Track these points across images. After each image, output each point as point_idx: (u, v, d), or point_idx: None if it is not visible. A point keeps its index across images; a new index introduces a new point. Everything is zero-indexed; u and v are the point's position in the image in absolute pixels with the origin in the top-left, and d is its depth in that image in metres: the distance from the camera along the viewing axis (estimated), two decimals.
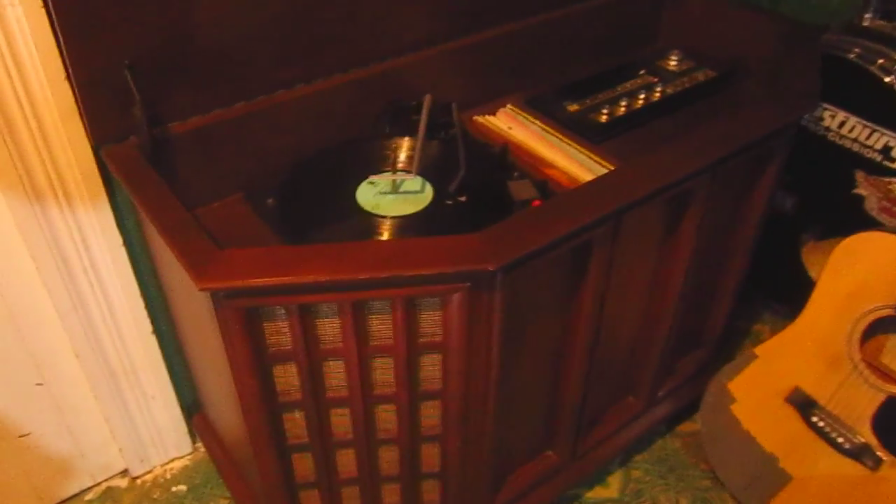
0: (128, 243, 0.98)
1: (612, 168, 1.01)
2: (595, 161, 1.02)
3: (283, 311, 0.74)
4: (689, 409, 1.29)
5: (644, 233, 0.92)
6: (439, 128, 1.03)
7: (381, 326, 0.77)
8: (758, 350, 1.12)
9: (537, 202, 0.90)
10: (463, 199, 0.91)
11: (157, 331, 1.08)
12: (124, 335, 1.05)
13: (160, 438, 1.20)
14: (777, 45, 1.18)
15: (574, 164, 1.02)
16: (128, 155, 0.85)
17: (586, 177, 0.99)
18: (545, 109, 1.13)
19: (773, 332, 1.50)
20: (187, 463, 1.24)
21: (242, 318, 0.72)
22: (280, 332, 0.76)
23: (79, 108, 0.84)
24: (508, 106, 1.15)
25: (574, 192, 0.82)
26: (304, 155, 0.98)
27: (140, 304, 1.03)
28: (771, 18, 1.20)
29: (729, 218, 1.05)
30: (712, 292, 1.15)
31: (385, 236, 0.87)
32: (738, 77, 1.23)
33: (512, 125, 1.10)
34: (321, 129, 1.00)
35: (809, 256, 1.47)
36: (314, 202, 0.92)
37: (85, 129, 0.86)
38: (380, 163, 0.98)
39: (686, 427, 1.32)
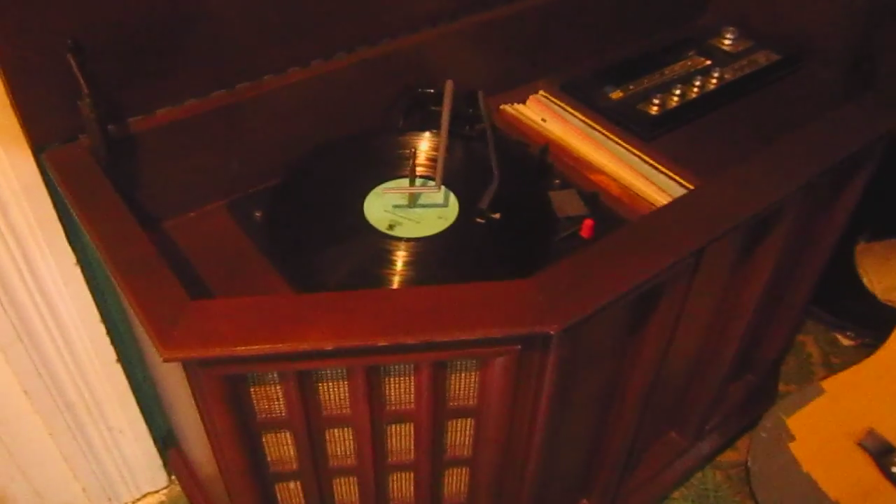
0: (83, 262, 0.80)
1: (670, 172, 0.84)
2: (651, 165, 0.85)
3: (275, 375, 0.57)
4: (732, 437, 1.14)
5: (717, 261, 0.75)
6: (463, 121, 0.85)
7: (400, 389, 0.61)
8: (825, 384, 0.97)
9: (589, 222, 0.73)
10: (496, 215, 0.73)
11: (123, 359, 0.90)
12: (84, 366, 0.88)
13: (130, 474, 1.03)
14: (852, 21, 1.01)
15: (625, 168, 0.84)
16: (76, 159, 0.67)
17: (641, 185, 0.82)
18: (583, 97, 0.95)
19: (818, 343, 1.36)
20: (162, 498, 1.08)
21: (223, 386, 0.56)
22: (271, 397, 0.59)
23: (11, 101, 0.65)
24: (541, 92, 0.97)
25: (648, 223, 0.65)
26: (299, 155, 0.80)
27: (101, 330, 0.86)
28: None
29: (806, 232, 0.89)
30: (774, 313, 0.99)
31: (399, 264, 0.70)
32: (804, 60, 1.06)
33: (546, 116, 0.92)
34: (319, 123, 0.82)
35: (862, 259, 1.32)
36: (310, 216, 0.74)
37: (21, 126, 0.67)
38: (392, 165, 0.80)
39: (728, 457, 1.17)
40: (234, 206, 0.78)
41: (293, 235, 0.72)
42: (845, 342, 1.34)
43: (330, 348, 0.51)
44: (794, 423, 0.99)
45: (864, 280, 1.29)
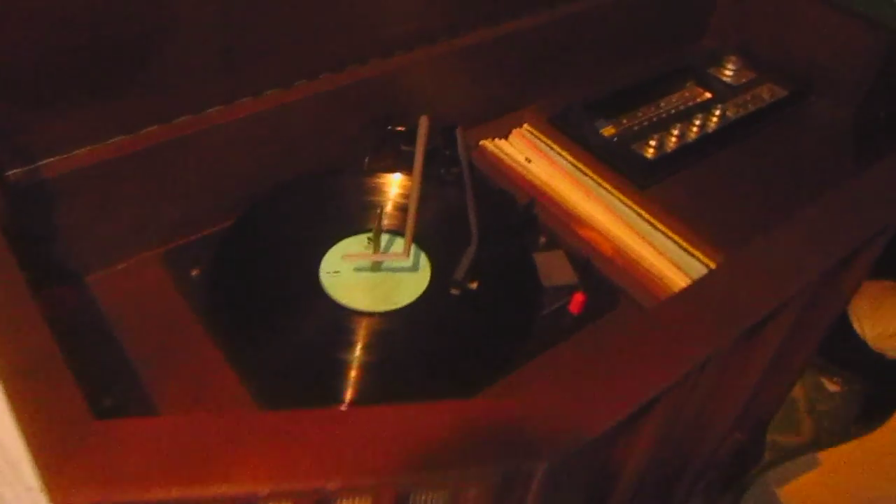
0: None
1: (668, 231, 0.75)
2: (646, 220, 0.76)
3: None
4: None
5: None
6: (439, 163, 0.75)
7: None
8: (823, 455, 0.89)
9: (579, 297, 0.64)
10: (474, 285, 0.63)
11: None
12: None
13: None
14: (868, 59, 0.92)
15: (619, 223, 0.75)
16: None
17: (636, 245, 0.73)
18: (573, 132, 0.86)
19: (804, 387, 1.29)
20: None
21: None
22: None
23: None
24: (525, 126, 0.87)
25: (651, 322, 0.55)
26: (247, 199, 0.70)
27: None
28: (860, 23, 0.93)
29: (816, 301, 0.80)
30: (771, 377, 0.90)
31: (359, 345, 0.59)
32: (811, 95, 0.97)
33: (531, 156, 0.82)
34: (273, 163, 0.71)
35: (854, 301, 1.24)
36: (255, 279, 0.64)
37: None
38: (356, 216, 0.70)
39: None
40: (169, 258, 0.67)
41: (234, 302, 0.62)
42: (832, 388, 1.27)
43: (266, 492, 0.41)
44: (787, 495, 0.91)
45: (855, 325, 1.22)
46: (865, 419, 1.09)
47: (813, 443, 1.15)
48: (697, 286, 0.57)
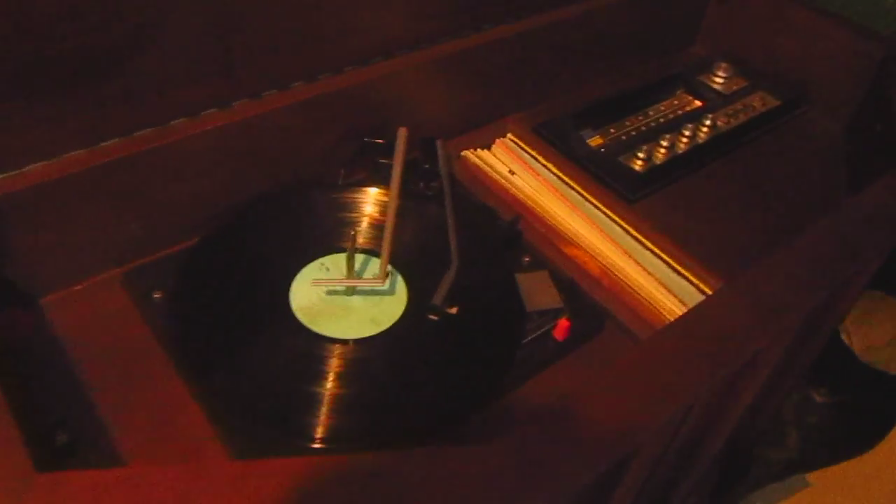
0: None
1: (656, 249, 0.72)
2: (634, 237, 0.73)
3: None
4: None
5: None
6: (418, 176, 0.71)
7: None
8: (812, 477, 0.87)
9: (564, 323, 0.61)
10: (453, 310, 0.60)
11: None
12: None
13: None
14: (862, 68, 0.90)
15: (606, 241, 0.72)
16: None
17: (623, 265, 0.70)
18: (558, 142, 0.82)
19: (790, 399, 1.26)
20: None
21: None
22: None
23: None
24: (509, 136, 0.84)
25: (640, 360, 0.52)
26: (213, 216, 0.66)
27: None
28: (853, 32, 0.91)
29: (810, 325, 0.78)
30: (763, 396, 0.88)
31: (331, 376, 0.56)
32: (803, 105, 0.95)
33: (515, 168, 0.79)
34: (241, 178, 0.67)
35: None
36: (220, 304, 0.60)
37: None
38: (330, 232, 0.66)
39: None
40: (130, 280, 0.63)
41: (198, 329, 0.58)
42: (818, 399, 1.25)
43: None
44: None
45: (843, 336, 1.20)
46: (855, 439, 1.07)
47: (800, 458, 1.13)
48: (691, 317, 0.54)
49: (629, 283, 0.68)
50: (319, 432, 0.52)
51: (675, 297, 0.67)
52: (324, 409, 0.54)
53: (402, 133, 0.69)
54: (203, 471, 0.41)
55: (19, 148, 0.56)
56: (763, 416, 0.91)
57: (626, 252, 0.71)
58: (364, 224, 0.67)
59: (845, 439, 1.19)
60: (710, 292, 0.68)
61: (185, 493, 0.40)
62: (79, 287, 0.63)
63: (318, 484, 0.40)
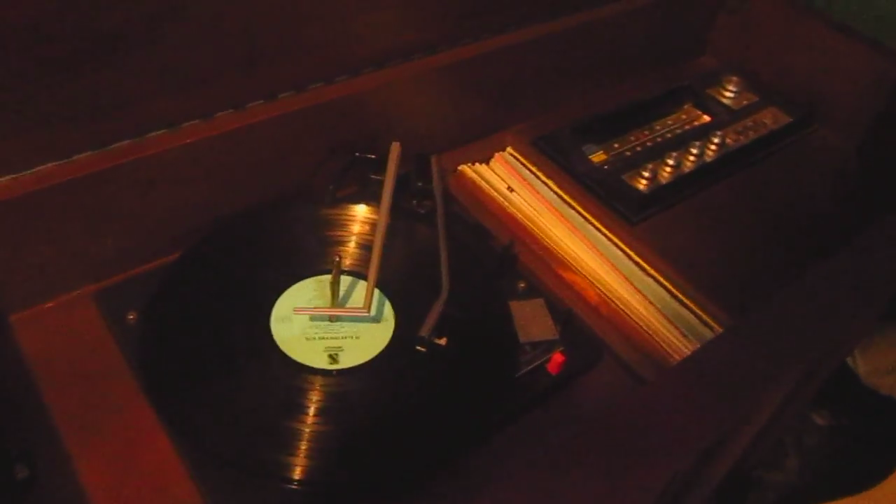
0: None
1: (659, 276, 0.68)
2: (636, 262, 0.69)
3: None
4: None
5: None
6: (411, 194, 0.68)
7: None
8: None
9: (558, 357, 0.57)
10: (442, 341, 0.57)
11: None
12: None
13: None
14: (875, 87, 0.86)
15: (606, 266, 0.68)
16: None
17: (624, 293, 0.66)
18: (559, 157, 0.79)
19: (801, 431, 1.23)
20: None
21: None
22: None
23: None
24: (508, 150, 0.80)
25: (661, 400, 0.48)
26: (193, 232, 0.63)
27: None
28: (870, 49, 0.87)
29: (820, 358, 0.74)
30: (768, 428, 0.85)
31: (312, 409, 0.53)
32: (815, 122, 0.91)
33: (513, 184, 0.76)
34: (224, 192, 0.64)
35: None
36: (197, 329, 0.57)
37: None
38: (315, 252, 0.63)
39: None
40: (103, 299, 0.59)
41: (172, 355, 0.55)
42: (819, 421, 1.22)
43: None
44: None
45: (848, 359, 1.17)
46: (857, 468, 1.04)
47: (799, 483, 1.10)
48: (700, 360, 0.51)
49: (628, 312, 0.65)
50: (297, 473, 0.49)
51: (676, 328, 0.64)
52: (302, 447, 0.51)
53: (395, 148, 0.66)
54: None
55: None
56: (764, 444, 0.88)
57: (626, 279, 0.68)
58: (352, 244, 0.64)
59: (846, 466, 1.16)
60: (712, 323, 0.65)
61: None
62: (50, 304, 0.60)
63: None
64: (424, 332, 0.55)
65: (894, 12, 1.19)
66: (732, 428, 0.54)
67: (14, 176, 0.54)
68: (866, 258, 0.59)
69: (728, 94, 0.91)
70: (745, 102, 0.91)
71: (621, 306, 0.65)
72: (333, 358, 0.55)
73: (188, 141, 0.59)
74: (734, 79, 0.92)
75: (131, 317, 0.57)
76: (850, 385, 1.18)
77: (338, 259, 0.56)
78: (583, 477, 0.40)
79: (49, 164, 0.56)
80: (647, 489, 0.42)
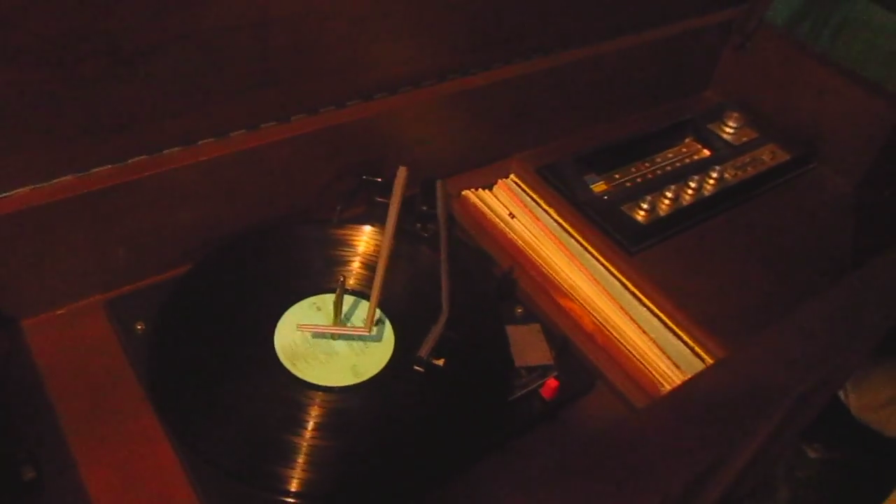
0: None
1: (655, 308, 0.70)
2: (632, 293, 0.71)
3: None
4: None
5: None
6: (415, 217, 0.70)
7: None
8: None
9: (553, 383, 0.59)
10: (440, 362, 0.59)
11: None
12: None
13: None
14: (875, 130, 0.88)
15: (602, 295, 0.70)
16: None
17: (619, 322, 0.68)
18: (561, 186, 0.81)
19: (793, 464, 1.24)
20: None
21: None
22: None
23: None
24: (511, 177, 0.82)
25: (650, 430, 0.50)
26: (203, 247, 0.65)
27: None
28: (870, 90, 0.89)
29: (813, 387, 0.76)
30: (758, 458, 0.86)
31: (311, 424, 0.55)
32: (814, 161, 0.93)
33: (515, 211, 0.78)
34: (235, 209, 0.66)
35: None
36: (203, 341, 0.58)
37: None
38: (321, 271, 0.65)
39: None
40: (113, 308, 0.61)
41: (178, 366, 0.57)
42: (812, 454, 1.23)
43: None
44: None
45: (840, 394, 1.18)
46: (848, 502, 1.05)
47: None
48: (689, 392, 0.53)
49: (623, 341, 0.67)
50: (294, 485, 0.51)
51: (670, 359, 0.66)
52: (300, 461, 0.52)
53: (402, 173, 0.68)
54: None
55: (6, 172, 0.55)
56: (755, 474, 0.89)
57: (622, 308, 0.69)
58: (356, 264, 0.66)
59: (837, 499, 1.17)
60: (705, 356, 0.67)
61: None
62: (61, 311, 0.62)
63: None
64: (423, 352, 0.57)
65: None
66: (718, 459, 0.56)
67: (34, 186, 0.56)
68: (858, 295, 0.61)
69: (729, 130, 0.94)
70: (745, 138, 0.93)
71: (616, 335, 0.67)
72: (334, 375, 0.57)
73: (202, 158, 0.62)
74: (735, 115, 0.94)
75: (140, 327, 0.59)
76: (842, 420, 1.20)
77: (342, 279, 0.58)
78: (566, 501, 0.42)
79: (68, 177, 0.58)
80: None
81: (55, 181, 0.57)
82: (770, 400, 0.51)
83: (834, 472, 1.22)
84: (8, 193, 0.56)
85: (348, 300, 0.63)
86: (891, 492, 1.02)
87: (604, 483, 0.44)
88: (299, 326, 0.59)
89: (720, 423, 0.49)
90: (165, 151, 0.61)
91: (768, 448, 0.82)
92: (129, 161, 0.60)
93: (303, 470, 0.52)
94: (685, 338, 0.68)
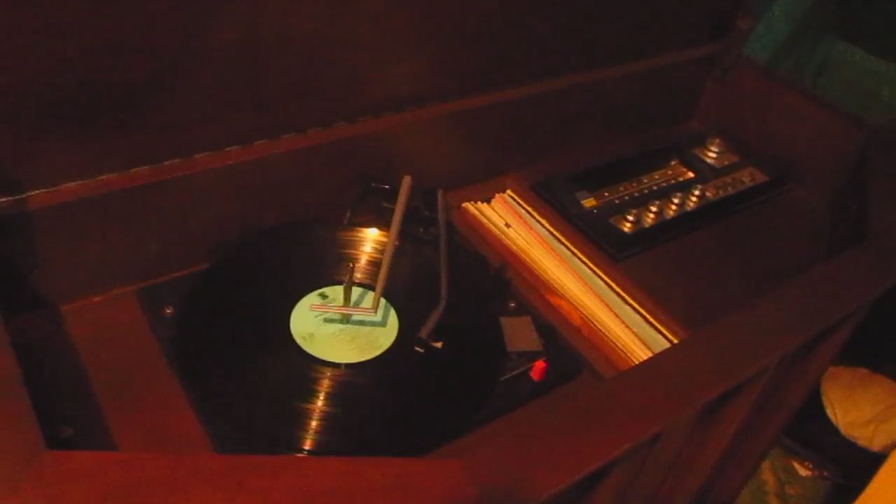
0: None
1: (636, 304, 0.76)
2: (616, 293, 0.77)
3: None
4: None
5: (676, 427, 0.67)
6: (418, 222, 0.77)
7: None
8: None
9: (540, 364, 0.65)
10: (438, 344, 0.65)
11: None
12: None
13: None
14: (844, 155, 0.95)
15: (589, 294, 0.77)
16: None
17: (603, 317, 0.74)
18: (554, 201, 0.88)
19: (774, 470, 1.28)
20: None
21: None
22: None
23: None
24: (508, 192, 0.89)
25: (603, 394, 0.56)
26: (226, 242, 0.72)
27: None
28: (840, 118, 0.96)
29: (777, 387, 0.81)
30: (733, 459, 0.91)
31: (322, 395, 0.61)
32: (791, 182, 1.00)
33: (511, 221, 0.84)
34: (256, 209, 0.73)
35: (828, 388, 1.25)
36: (226, 324, 0.65)
37: None
38: (332, 266, 0.71)
39: None
40: (144, 295, 0.68)
41: (203, 344, 0.63)
42: (803, 472, 1.27)
43: None
44: None
45: (828, 411, 1.23)
46: None
47: None
48: (654, 361, 0.59)
49: (607, 333, 0.73)
50: (307, 444, 0.57)
51: (649, 349, 0.72)
52: (312, 424, 0.58)
53: (406, 181, 0.75)
54: (193, 459, 0.45)
55: (58, 168, 0.62)
56: (736, 476, 0.94)
57: (607, 305, 0.76)
58: (363, 261, 0.73)
59: None
60: None
61: (174, 479, 0.44)
62: (97, 299, 0.69)
63: (301, 479, 0.45)
64: (423, 333, 0.63)
65: (874, 95, 1.29)
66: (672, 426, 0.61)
67: (80, 182, 0.64)
68: (817, 286, 0.67)
69: (711, 154, 1.01)
70: (726, 162, 1.00)
71: (601, 328, 0.73)
72: (343, 354, 0.63)
73: (229, 163, 0.69)
74: (717, 140, 1.01)
75: (168, 311, 0.66)
76: (831, 437, 1.24)
77: (351, 265, 0.65)
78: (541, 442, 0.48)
79: (109, 175, 0.65)
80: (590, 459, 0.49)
81: (99, 178, 0.65)
82: (739, 368, 0.57)
83: (824, 488, 1.25)
84: (57, 187, 0.63)
85: (357, 291, 0.69)
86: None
87: (583, 429, 0.50)
88: (313, 307, 0.65)
89: (679, 390, 0.55)
90: (196, 156, 0.68)
91: (746, 444, 0.87)
92: (164, 163, 0.67)
93: (315, 432, 0.58)
94: (665, 332, 0.74)
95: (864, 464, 1.18)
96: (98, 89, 0.61)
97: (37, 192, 0.62)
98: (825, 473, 1.26)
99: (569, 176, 0.91)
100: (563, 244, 0.83)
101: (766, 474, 1.26)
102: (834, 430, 1.22)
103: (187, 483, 0.44)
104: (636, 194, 0.92)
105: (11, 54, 0.55)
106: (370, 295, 0.69)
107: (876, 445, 1.18)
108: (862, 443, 1.19)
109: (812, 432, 1.26)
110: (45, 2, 0.54)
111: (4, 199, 0.60)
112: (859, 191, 0.85)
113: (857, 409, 1.20)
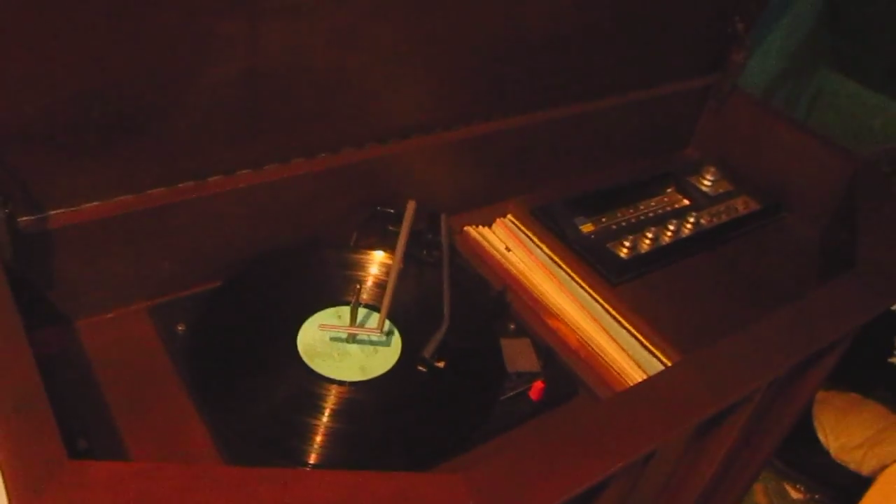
0: None
1: (632, 328, 0.79)
2: (612, 316, 0.80)
3: None
4: None
5: (668, 448, 0.70)
6: (422, 245, 0.80)
7: None
8: None
9: (539, 384, 0.68)
10: (441, 364, 0.67)
11: None
12: None
13: None
14: (835, 185, 0.98)
15: (586, 317, 0.79)
16: None
17: (600, 340, 0.77)
18: (553, 225, 0.91)
19: (766, 493, 1.30)
20: None
21: None
22: None
23: None
24: (508, 216, 0.92)
25: (600, 414, 0.58)
26: (238, 262, 0.74)
27: None
28: (832, 148, 1.00)
29: (768, 410, 0.84)
30: (726, 476, 0.93)
31: (327, 411, 0.63)
32: (784, 211, 1.03)
33: (511, 245, 0.87)
34: (265, 231, 0.76)
35: (819, 411, 1.28)
36: (236, 341, 0.67)
37: None
38: (339, 287, 0.74)
39: None
40: (157, 312, 0.70)
41: (213, 360, 0.65)
42: (795, 495, 1.29)
43: None
44: None
45: (820, 435, 1.25)
46: None
47: None
48: (649, 383, 0.61)
49: (604, 356, 0.75)
50: (312, 458, 0.59)
51: (644, 371, 0.74)
52: (318, 439, 0.60)
53: (411, 205, 0.78)
54: (208, 470, 0.48)
55: (79, 189, 0.65)
56: (731, 497, 0.96)
57: (603, 329, 0.78)
58: (369, 282, 0.75)
59: None
60: None
61: (191, 489, 0.46)
62: (111, 315, 0.71)
63: (310, 491, 0.47)
64: (426, 353, 0.66)
65: (866, 126, 1.33)
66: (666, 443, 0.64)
67: (98, 203, 0.66)
68: (808, 312, 0.70)
69: (706, 182, 1.04)
70: (720, 190, 1.03)
71: (597, 351, 0.76)
72: (348, 372, 0.66)
73: (240, 185, 0.72)
74: (712, 169, 1.04)
75: (181, 328, 0.68)
76: (823, 461, 1.26)
77: (358, 287, 0.67)
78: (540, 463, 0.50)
79: (127, 196, 0.68)
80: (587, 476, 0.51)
81: (116, 199, 0.67)
82: (731, 390, 0.60)
83: None
84: (77, 207, 0.65)
85: (362, 312, 0.72)
86: None
87: (579, 447, 0.52)
88: (321, 326, 0.67)
89: (683, 407, 0.57)
90: (209, 179, 0.71)
91: (737, 466, 0.89)
92: (179, 185, 0.70)
93: (320, 446, 0.60)
94: (659, 355, 0.76)
95: (856, 487, 1.20)
96: (118, 116, 0.64)
97: (57, 211, 0.65)
98: (817, 496, 1.28)
99: (568, 202, 0.94)
100: (561, 268, 0.85)
101: (759, 497, 1.28)
102: (825, 454, 1.24)
103: (203, 493, 0.46)
104: (633, 220, 0.95)
105: (39, 85, 0.58)
106: (375, 315, 0.71)
107: (866, 469, 1.20)
108: (853, 466, 1.21)
109: (804, 456, 1.28)
110: (70, 35, 0.57)
111: (27, 218, 0.62)
112: (849, 219, 0.88)
113: (849, 433, 1.22)
